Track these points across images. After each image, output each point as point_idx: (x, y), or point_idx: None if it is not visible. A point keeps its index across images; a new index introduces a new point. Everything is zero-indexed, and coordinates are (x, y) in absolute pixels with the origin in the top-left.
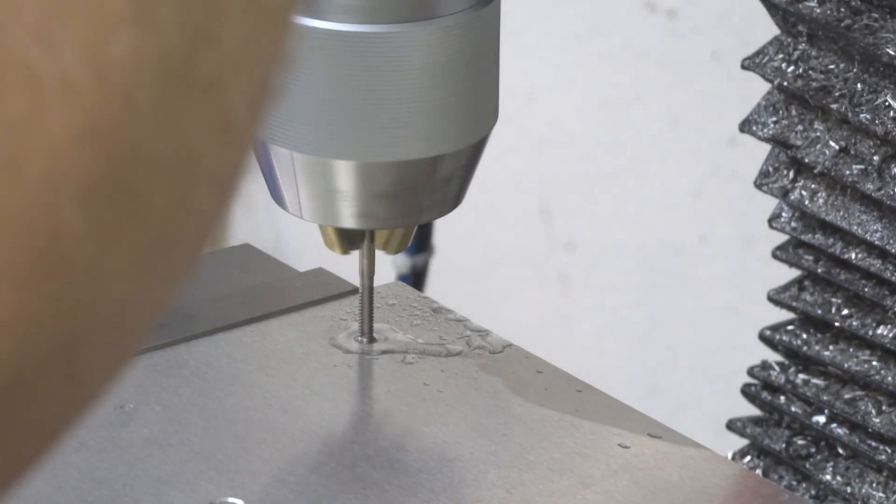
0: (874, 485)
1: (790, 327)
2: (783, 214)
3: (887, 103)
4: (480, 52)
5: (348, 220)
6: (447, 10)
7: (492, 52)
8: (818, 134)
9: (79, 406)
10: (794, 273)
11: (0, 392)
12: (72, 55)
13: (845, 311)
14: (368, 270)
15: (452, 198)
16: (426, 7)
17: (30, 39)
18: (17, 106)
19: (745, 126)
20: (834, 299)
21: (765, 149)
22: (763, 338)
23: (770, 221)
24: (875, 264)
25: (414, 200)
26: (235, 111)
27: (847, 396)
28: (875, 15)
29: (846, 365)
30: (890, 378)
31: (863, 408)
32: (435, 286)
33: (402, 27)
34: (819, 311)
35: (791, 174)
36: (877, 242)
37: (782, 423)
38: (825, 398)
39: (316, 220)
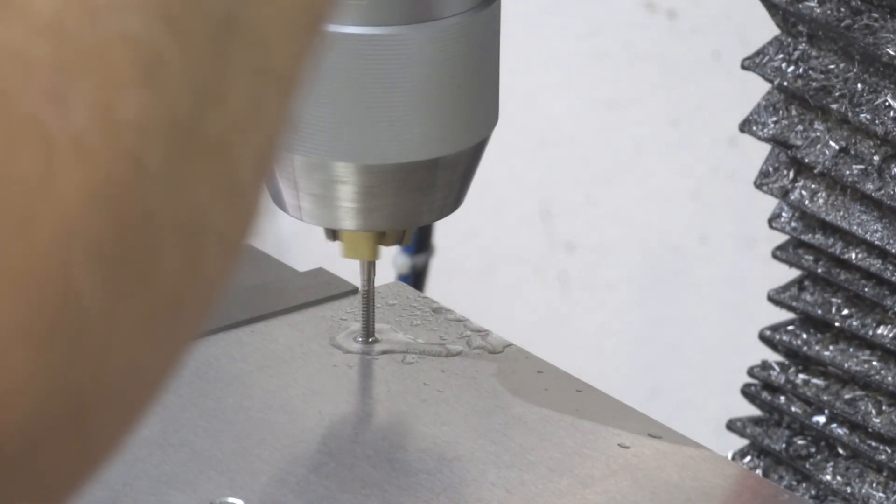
0: (874, 485)
1: (790, 327)
2: (783, 214)
3: (887, 103)
4: (480, 53)
5: (348, 223)
6: (447, 12)
7: (492, 54)
8: (818, 134)
9: (88, 468)
10: (794, 273)
11: (12, 455)
12: (83, 116)
13: (845, 311)
14: (368, 272)
15: (453, 200)
16: (426, 9)
17: (43, 101)
18: (31, 166)
19: (745, 126)
20: (834, 299)
21: (765, 149)
22: (763, 338)
23: (770, 221)
24: (875, 264)
25: (414, 202)
26: (242, 172)
27: (847, 396)
28: (875, 15)
29: (846, 365)
30: (890, 378)
31: (863, 408)
32: (435, 286)
33: (403, 29)
34: (819, 311)
35: (791, 174)
36: (877, 242)
37: (782, 423)
38: (825, 398)
39: (316, 223)
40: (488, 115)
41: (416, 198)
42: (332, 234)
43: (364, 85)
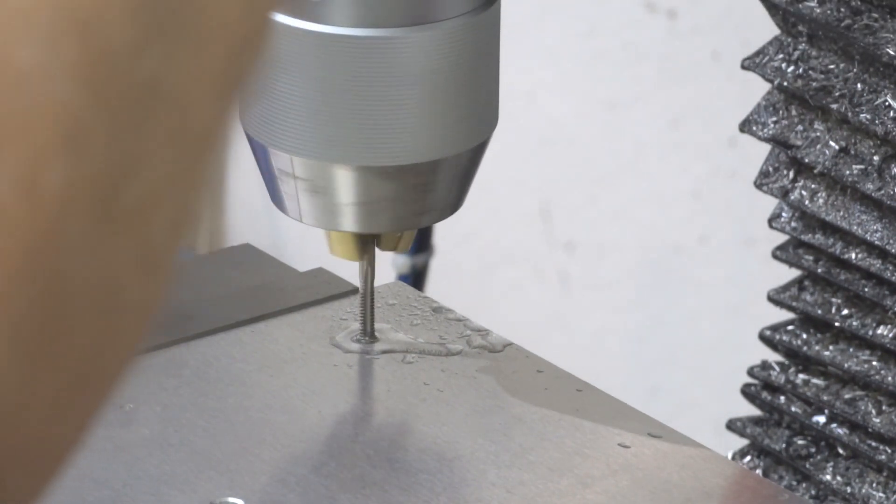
0: (874, 485)
1: (790, 327)
2: (783, 214)
3: (887, 103)
4: (480, 55)
5: (348, 225)
6: (447, 14)
7: (492, 56)
8: (818, 134)
9: None
10: (794, 273)
11: None
12: (6, 186)
13: (845, 311)
14: (370, 275)
15: (452, 202)
16: (426, 11)
17: None
18: None
19: (745, 126)
20: (834, 299)
21: (765, 149)
22: (763, 338)
23: (770, 221)
24: (875, 264)
25: (414, 204)
26: (158, 240)
27: (847, 396)
28: (875, 15)
29: (846, 365)
30: (890, 378)
31: (863, 408)
32: (435, 286)
33: (403, 31)
34: (819, 311)
35: (791, 174)
36: (877, 242)
37: (782, 423)
38: (825, 398)
39: (316, 225)
40: (488, 116)
41: (416, 200)
42: (362, 248)
43: (364, 87)
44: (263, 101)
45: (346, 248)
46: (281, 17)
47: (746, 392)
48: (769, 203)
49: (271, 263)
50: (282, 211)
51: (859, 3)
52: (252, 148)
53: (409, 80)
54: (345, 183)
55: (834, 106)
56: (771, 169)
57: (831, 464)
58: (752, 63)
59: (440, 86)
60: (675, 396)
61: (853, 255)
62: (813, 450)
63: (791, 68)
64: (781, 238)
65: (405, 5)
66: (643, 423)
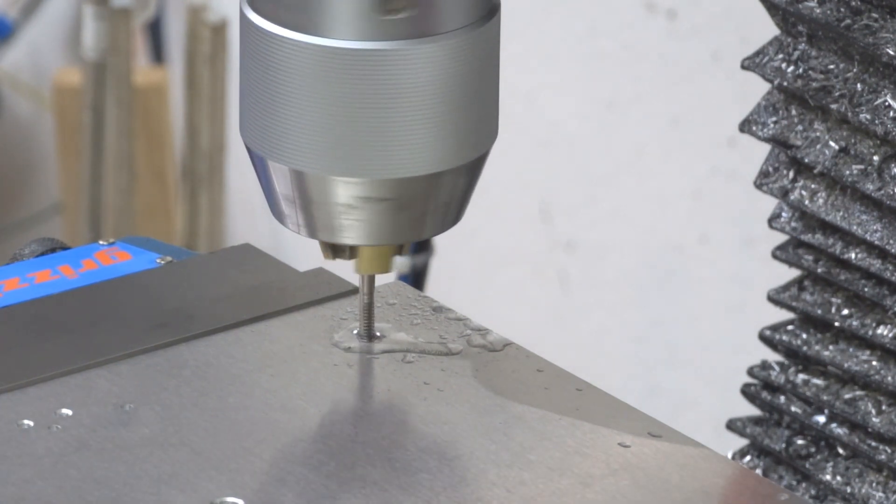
0: (874, 485)
1: (790, 327)
2: (783, 214)
3: (887, 103)
4: (480, 69)
5: (348, 238)
6: (447, 28)
7: (491, 69)
8: (818, 134)
9: None
10: (794, 273)
11: None
12: None
13: (845, 311)
14: (368, 286)
15: (453, 214)
16: (426, 24)
17: None
18: None
19: (745, 126)
20: (834, 299)
21: (765, 149)
22: (763, 338)
23: (770, 221)
24: (875, 264)
25: (415, 217)
26: None
27: (847, 396)
28: (875, 15)
29: (846, 365)
30: (890, 378)
31: (863, 408)
32: (435, 286)
33: (403, 44)
34: (819, 311)
35: (791, 174)
36: (877, 242)
37: (782, 423)
38: (825, 398)
39: (316, 237)
40: (488, 129)
41: (417, 212)
42: (332, 253)
43: (363, 100)
44: (263, 114)
45: (380, 262)
46: (281, 31)
47: (746, 392)
48: (769, 203)
49: (271, 263)
50: (281, 223)
51: (859, 3)
52: (252, 160)
53: (409, 93)
54: (344, 195)
55: (834, 106)
56: (771, 169)
57: (831, 463)
58: (752, 63)
59: (440, 99)
60: (675, 396)
61: (853, 255)
62: (813, 449)
63: (791, 68)
64: (781, 238)
65: (405, 19)
66: (643, 423)
